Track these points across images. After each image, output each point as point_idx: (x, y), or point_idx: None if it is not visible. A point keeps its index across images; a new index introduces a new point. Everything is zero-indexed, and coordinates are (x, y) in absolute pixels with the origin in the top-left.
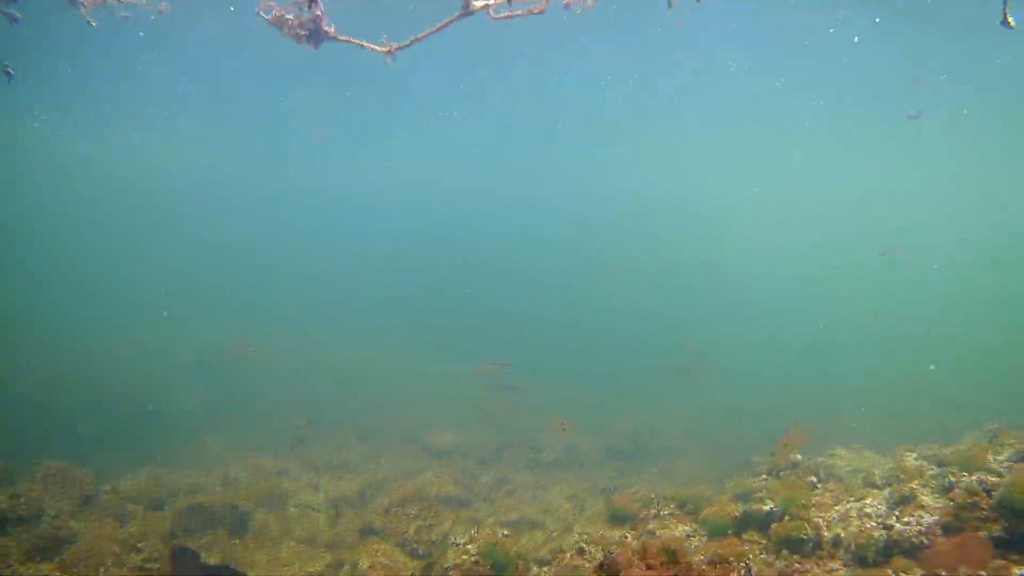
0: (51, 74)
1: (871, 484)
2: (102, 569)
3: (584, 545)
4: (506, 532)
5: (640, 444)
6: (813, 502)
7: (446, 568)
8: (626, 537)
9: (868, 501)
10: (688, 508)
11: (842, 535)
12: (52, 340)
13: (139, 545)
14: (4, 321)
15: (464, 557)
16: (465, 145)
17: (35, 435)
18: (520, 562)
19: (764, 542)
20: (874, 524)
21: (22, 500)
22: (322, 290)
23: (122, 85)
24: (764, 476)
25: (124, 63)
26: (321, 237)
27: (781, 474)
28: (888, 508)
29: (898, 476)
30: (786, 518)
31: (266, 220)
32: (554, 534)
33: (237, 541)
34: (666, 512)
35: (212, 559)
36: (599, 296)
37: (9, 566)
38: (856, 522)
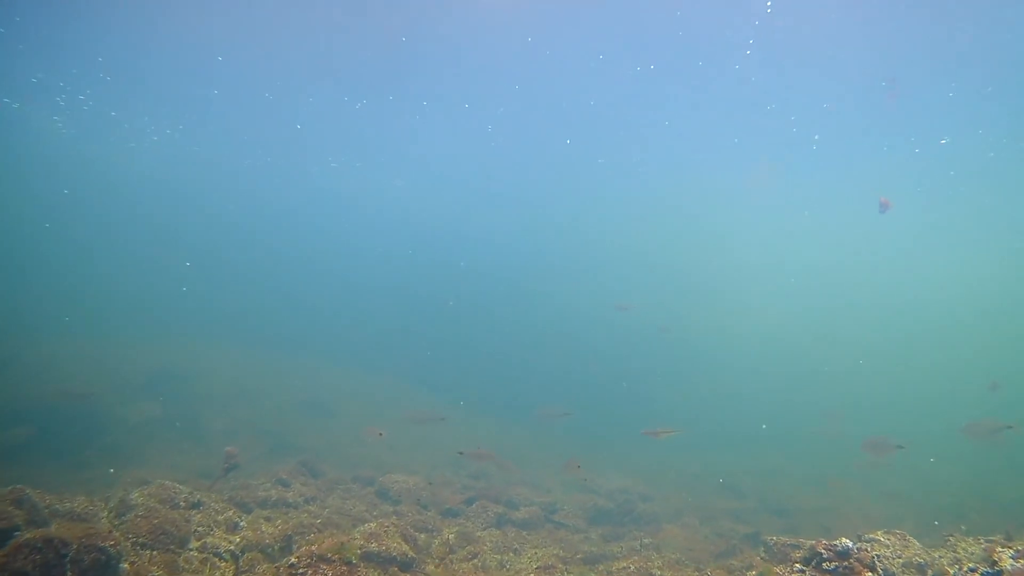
0: None
1: None
2: None
3: None
4: None
5: (626, 507)
6: None
7: None
8: None
9: None
10: None
11: None
12: None
13: None
14: None
15: None
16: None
17: None
18: None
19: None
20: None
21: None
22: (314, 315)
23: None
24: (799, 566)
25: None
26: (321, 261)
27: (826, 565)
28: None
29: None
30: None
31: (265, 234)
32: None
33: None
34: None
35: None
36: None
37: None
38: None
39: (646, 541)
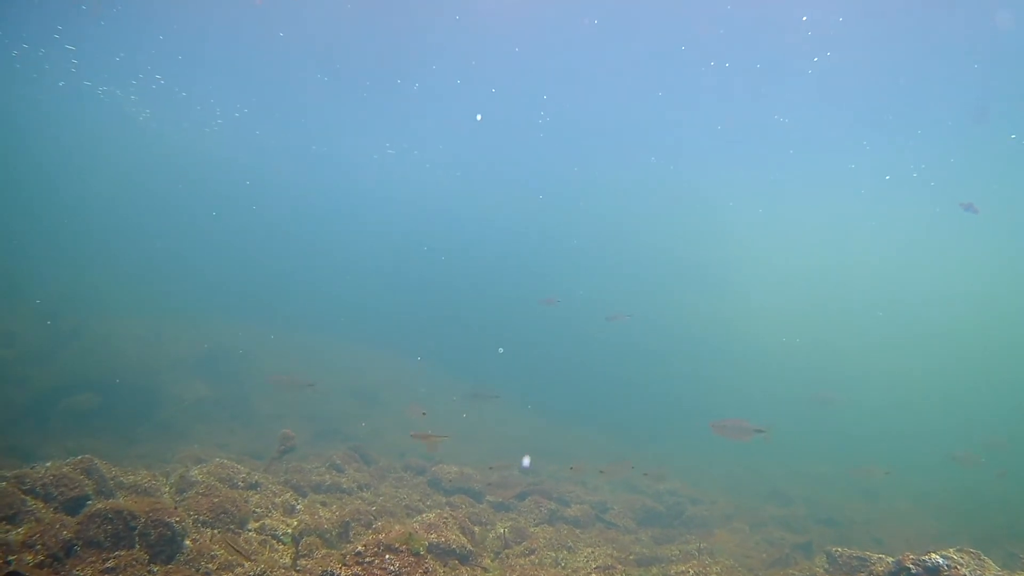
0: None
1: None
2: None
3: None
4: None
5: (676, 509)
6: None
7: None
8: None
9: None
10: None
11: None
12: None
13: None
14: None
15: None
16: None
17: None
18: None
19: None
20: None
21: None
22: (362, 304)
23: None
24: None
25: None
26: (368, 249)
27: None
28: None
29: None
30: None
31: (320, 226)
32: None
33: (156, 568)
34: None
35: None
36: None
37: None
38: None
39: (702, 546)
